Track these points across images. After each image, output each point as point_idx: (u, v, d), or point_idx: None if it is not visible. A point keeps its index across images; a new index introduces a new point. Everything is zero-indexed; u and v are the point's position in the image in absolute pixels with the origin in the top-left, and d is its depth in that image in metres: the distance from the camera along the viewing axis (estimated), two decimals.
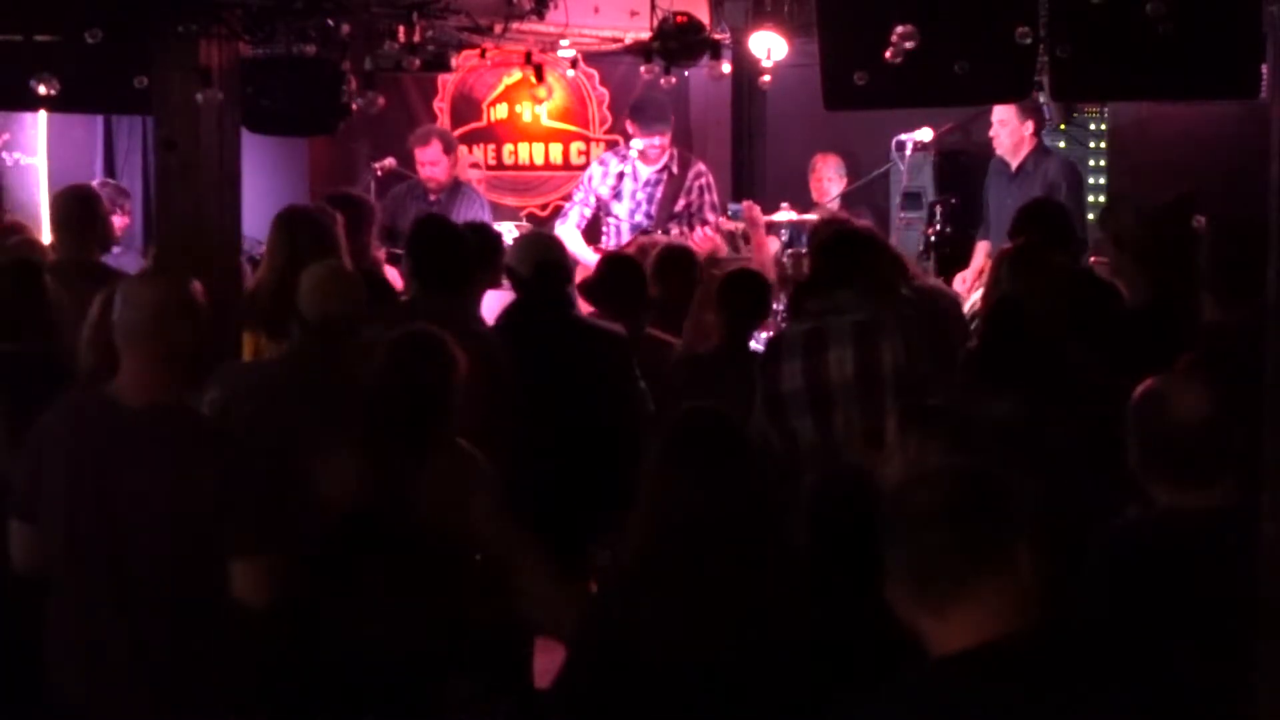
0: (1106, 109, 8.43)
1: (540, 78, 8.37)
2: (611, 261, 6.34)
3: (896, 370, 4.66)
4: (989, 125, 8.24)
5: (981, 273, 7.72)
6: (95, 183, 8.19)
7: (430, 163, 8.49)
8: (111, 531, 3.68)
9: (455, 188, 8.57)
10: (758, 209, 7.92)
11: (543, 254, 5.56)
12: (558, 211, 9.24)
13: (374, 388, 4.21)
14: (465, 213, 8.28)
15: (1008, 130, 8.00)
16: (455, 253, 5.39)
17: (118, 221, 7.49)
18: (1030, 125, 8.03)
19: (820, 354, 4.76)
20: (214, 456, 3.75)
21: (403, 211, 8.28)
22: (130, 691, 3.70)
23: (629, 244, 8.05)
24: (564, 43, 7.96)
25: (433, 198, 8.48)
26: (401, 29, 6.61)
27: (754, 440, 4.76)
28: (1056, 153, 8.28)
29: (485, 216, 8.33)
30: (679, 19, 7.44)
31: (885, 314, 4.77)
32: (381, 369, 4.22)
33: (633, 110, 8.71)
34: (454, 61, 7.76)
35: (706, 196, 8.55)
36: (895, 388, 4.64)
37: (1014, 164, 8.02)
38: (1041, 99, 6.72)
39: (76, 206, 6.09)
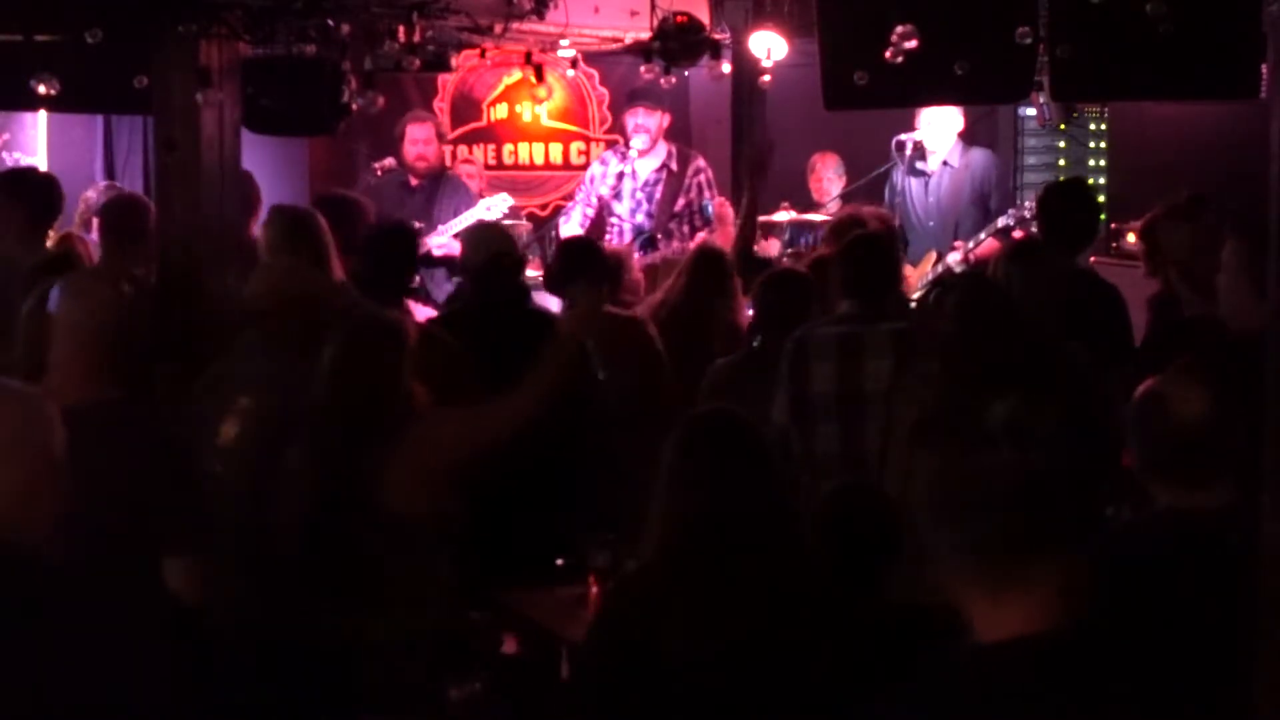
0: (1106, 109, 8.44)
1: (540, 78, 8.36)
2: (565, 245, 6.37)
3: (931, 383, 4.61)
4: (991, 123, 8.27)
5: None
6: (103, 184, 8.19)
7: (423, 140, 8.39)
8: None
9: (440, 176, 8.51)
10: (729, 207, 7.92)
11: (494, 245, 5.54)
12: (558, 211, 9.24)
13: (327, 375, 4.20)
14: (451, 200, 8.26)
15: (951, 129, 8.04)
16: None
17: None
18: (963, 123, 8.09)
19: (856, 361, 4.71)
20: (148, 454, 3.71)
21: (383, 202, 8.23)
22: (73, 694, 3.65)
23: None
24: (564, 43, 7.96)
25: (415, 182, 8.39)
26: (401, 29, 6.60)
27: (772, 440, 4.78)
28: (975, 146, 8.31)
29: (471, 203, 8.30)
30: (679, 19, 7.44)
31: (922, 324, 4.72)
32: (333, 356, 4.20)
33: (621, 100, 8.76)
34: (454, 61, 7.75)
35: (707, 193, 8.54)
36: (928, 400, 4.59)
37: (936, 160, 8.05)
38: (1041, 99, 6.73)
39: (121, 217, 6.11)
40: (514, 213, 8.66)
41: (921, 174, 8.13)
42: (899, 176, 8.19)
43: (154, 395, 4.41)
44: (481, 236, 5.69)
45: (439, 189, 8.39)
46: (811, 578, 3.46)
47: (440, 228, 8.04)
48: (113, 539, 3.62)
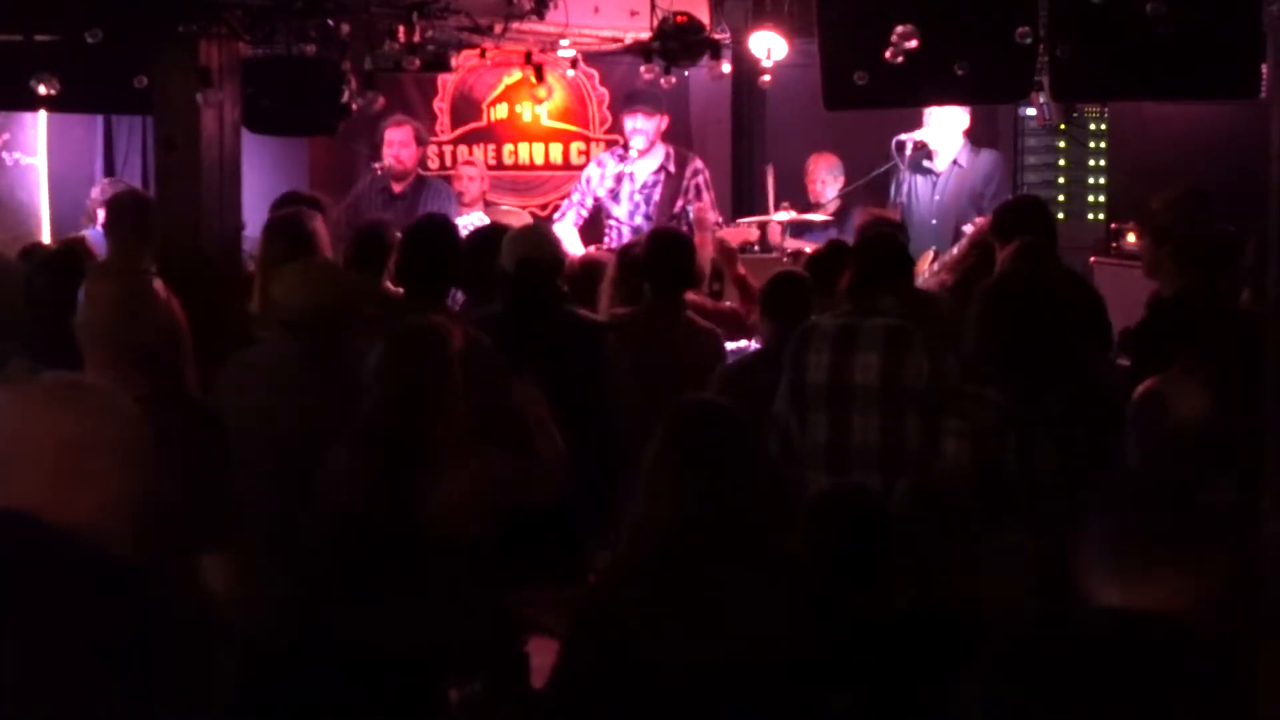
0: (1106, 109, 8.44)
1: (540, 78, 8.35)
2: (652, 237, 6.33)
3: (919, 384, 4.63)
4: (991, 123, 8.27)
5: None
6: (106, 181, 8.19)
7: (399, 143, 8.37)
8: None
9: (420, 181, 8.51)
10: (709, 212, 7.94)
11: (528, 249, 5.44)
12: (555, 211, 9.25)
13: (372, 385, 4.19)
14: (431, 206, 8.25)
15: (957, 129, 8.04)
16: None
17: None
18: (968, 122, 8.09)
19: (848, 354, 4.73)
20: (181, 451, 3.70)
21: (367, 207, 8.18)
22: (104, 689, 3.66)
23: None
24: (564, 43, 7.96)
25: (397, 189, 8.39)
26: (401, 29, 6.60)
27: (770, 428, 4.78)
28: (983, 148, 8.31)
29: (451, 210, 8.30)
30: (679, 19, 7.44)
31: (917, 325, 4.73)
32: (379, 366, 4.19)
33: (620, 102, 8.76)
34: (454, 61, 7.75)
35: (705, 195, 8.54)
36: (916, 401, 4.61)
37: (944, 160, 8.05)
38: (1041, 99, 6.73)
39: (129, 211, 6.11)
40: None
41: (929, 173, 8.12)
42: (905, 175, 8.18)
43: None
44: (516, 241, 5.54)
45: (420, 197, 8.39)
46: (794, 576, 3.43)
47: None
48: (153, 540, 3.62)
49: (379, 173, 8.41)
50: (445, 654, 4.14)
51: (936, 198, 8.08)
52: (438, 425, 4.13)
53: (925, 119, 8.03)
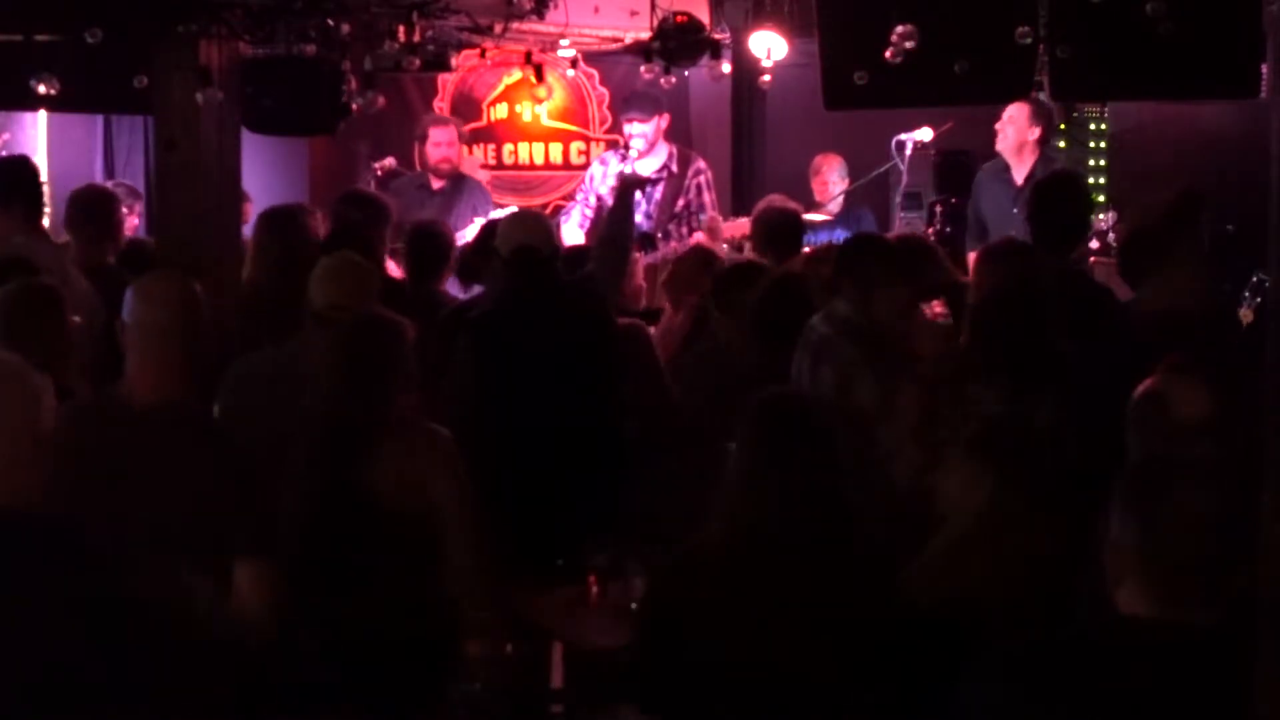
0: (1106, 109, 8.43)
1: (540, 78, 8.36)
2: None
3: (829, 395, 4.61)
4: (992, 124, 8.24)
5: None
6: (110, 184, 8.18)
7: (446, 143, 8.47)
8: (116, 535, 3.63)
9: (459, 179, 8.55)
10: (720, 221, 7.93)
11: (523, 236, 5.26)
12: (558, 211, 9.25)
13: (321, 376, 4.20)
14: (468, 203, 8.27)
15: (1015, 129, 7.97)
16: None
17: (130, 223, 7.46)
18: (1038, 131, 8.00)
19: (816, 363, 4.78)
20: (218, 458, 3.73)
21: (406, 206, 8.22)
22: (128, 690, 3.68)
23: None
24: (564, 43, 7.97)
25: (436, 186, 8.42)
26: (401, 29, 6.61)
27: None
28: (1060, 162, 8.26)
29: (488, 207, 8.31)
30: (679, 19, 7.44)
31: (840, 338, 4.71)
32: (327, 356, 4.20)
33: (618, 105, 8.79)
34: (454, 61, 7.76)
35: (706, 195, 8.55)
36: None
37: (1020, 173, 7.99)
38: (1041, 99, 6.72)
39: (95, 207, 6.09)
40: None
41: (1008, 185, 8.03)
42: (985, 180, 8.11)
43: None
44: (510, 227, 5.37)
45: (458, 192, 8.42)
46: (879, 570, 3.40)
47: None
48: (186, 543, 3.63)
49: (380, 173, 8.43)
50: (431, 641, 4.13)
51: (1014, 210, 7.99)
52: (388, 412, 4.13)
53: (1001, 139, 7.93)
